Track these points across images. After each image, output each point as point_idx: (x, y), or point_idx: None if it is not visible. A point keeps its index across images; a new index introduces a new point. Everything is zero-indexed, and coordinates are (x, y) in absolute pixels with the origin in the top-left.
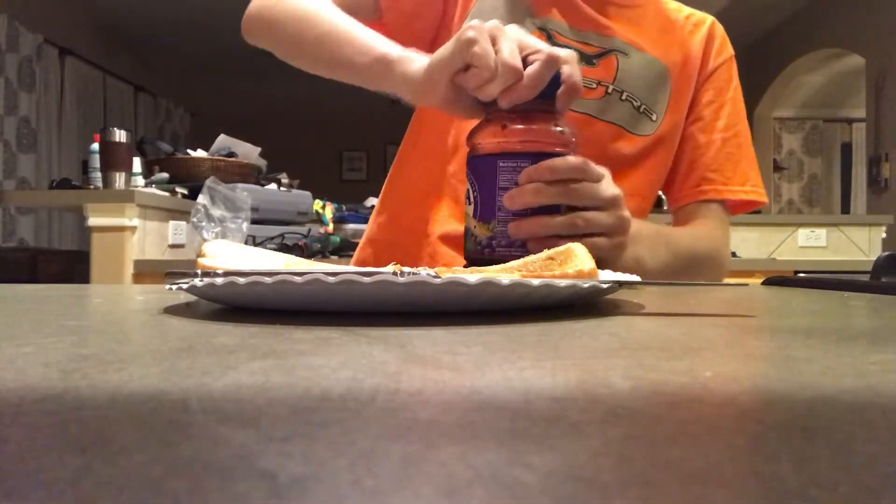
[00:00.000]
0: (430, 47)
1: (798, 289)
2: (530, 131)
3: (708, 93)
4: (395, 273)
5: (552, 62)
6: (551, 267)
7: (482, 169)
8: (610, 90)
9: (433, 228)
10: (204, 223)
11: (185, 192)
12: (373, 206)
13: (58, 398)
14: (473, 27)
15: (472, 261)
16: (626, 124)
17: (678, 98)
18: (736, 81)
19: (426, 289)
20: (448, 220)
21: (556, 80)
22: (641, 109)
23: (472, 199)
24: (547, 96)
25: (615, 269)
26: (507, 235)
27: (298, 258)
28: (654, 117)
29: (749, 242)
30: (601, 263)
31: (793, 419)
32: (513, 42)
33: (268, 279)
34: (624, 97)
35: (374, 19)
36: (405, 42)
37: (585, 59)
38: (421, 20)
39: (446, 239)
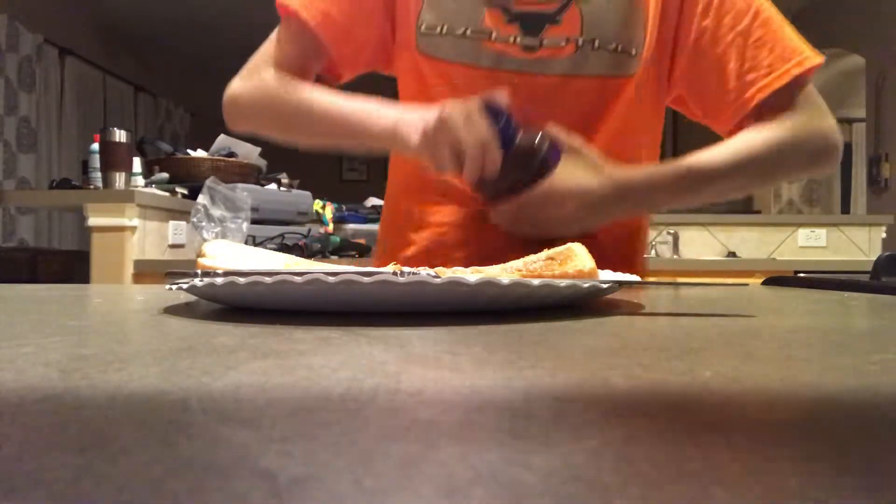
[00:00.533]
0: (388, 36)
1: (798, 289)
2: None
3: (699, 2)
4: (395, 273)
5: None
6: (551, 267)
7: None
8: (580, 43)
9: (428, 219)
10: (204, 223)
11: (185, 192)
12: (373, 206)
13: (58, 398)
14: (433, 131)
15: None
16: (609, 70)
17: (655, 16)
18: None
19: (426, 289)
20: (437, 207)
21: (505, 128)
22: (619, 50)
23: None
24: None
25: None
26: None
27: (298, 258)
28: (633, 52)
29: (749, 242)
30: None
31: (793, 419)
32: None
33: (268, 279)
34: (597, 45)
35: (325, 61)
36: (363, 49)
37: (549, 19)
38: (360, 25)
39: (438, 225)
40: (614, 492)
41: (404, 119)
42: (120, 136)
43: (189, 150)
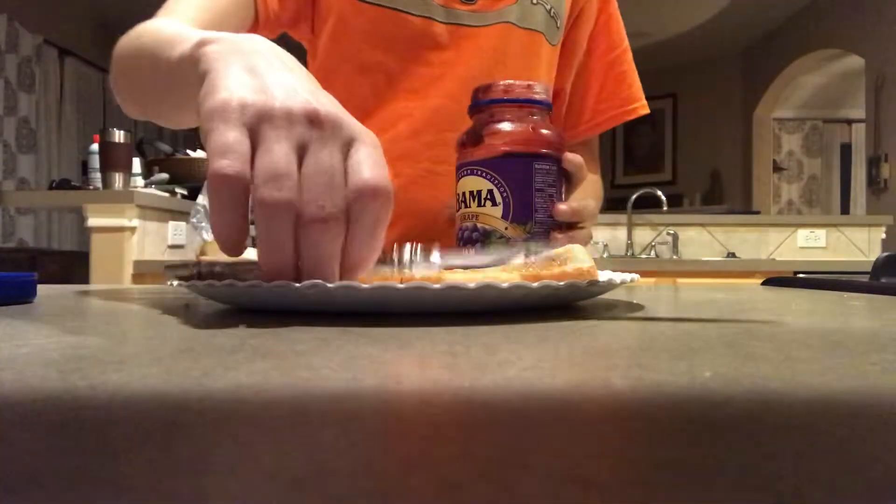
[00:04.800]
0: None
1: (798, 289)
2: (546, 135)
3: (587, 22)
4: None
5: None
6: (551, 267)
7: (513, 170)
8: None
9: None
10: (203, 223)
11: (185, 192)
12: None
13: (58, 398)
14: None
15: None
16: (545, 31)
17: (572, 6)
18: None
19: (426, 294)
20: None
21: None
22: (552, 14)
23: (499, 201)
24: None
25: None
26: (543, 236)
27: None
28: (558, 23)
29: (749, 243)
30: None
31: (793, 419)
32: None
33: (267, 283)
34: (535, 0)
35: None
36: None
37: None
38: None
39: None
40: (614, 492)
41: (212, 45)
42: (119, 136)
43: (189, 151)
